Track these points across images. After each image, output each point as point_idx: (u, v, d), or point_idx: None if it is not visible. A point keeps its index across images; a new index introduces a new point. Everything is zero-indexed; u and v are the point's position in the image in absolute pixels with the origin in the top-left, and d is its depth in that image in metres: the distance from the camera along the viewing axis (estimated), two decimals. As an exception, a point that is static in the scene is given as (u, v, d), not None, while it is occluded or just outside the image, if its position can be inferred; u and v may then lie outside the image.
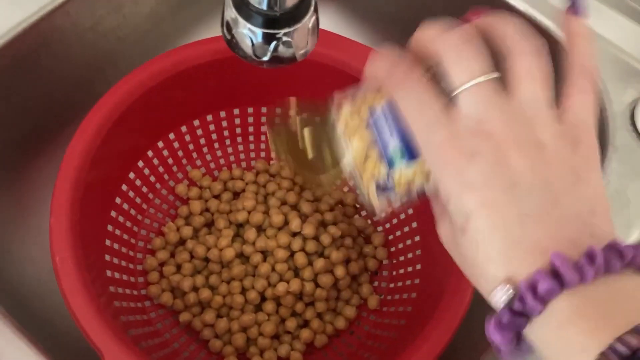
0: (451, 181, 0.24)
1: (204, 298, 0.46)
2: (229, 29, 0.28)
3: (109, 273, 0.44)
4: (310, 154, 0.29)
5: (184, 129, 0.50)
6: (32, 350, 0.37)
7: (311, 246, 0.47)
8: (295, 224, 0.48)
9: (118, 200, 0.47)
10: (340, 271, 0.47)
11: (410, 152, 0.26)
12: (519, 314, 0.23)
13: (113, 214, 0.46)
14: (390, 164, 0.26)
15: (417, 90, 0.24)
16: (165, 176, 0.51)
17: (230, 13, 0.27)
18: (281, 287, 0.46)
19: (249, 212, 0.49)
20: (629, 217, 0.42)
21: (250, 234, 0.48)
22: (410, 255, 0.48)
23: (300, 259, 0.47)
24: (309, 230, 0.47)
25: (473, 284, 0.25)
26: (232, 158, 0.53)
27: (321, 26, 0.31)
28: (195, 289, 0.47)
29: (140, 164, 0.49)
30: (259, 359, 0.45)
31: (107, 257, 0.44)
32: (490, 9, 0.51)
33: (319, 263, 0.47)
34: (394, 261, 0.49)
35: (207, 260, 0.48)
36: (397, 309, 0.46)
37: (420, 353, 0.37)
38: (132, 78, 0.44)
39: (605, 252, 0.22)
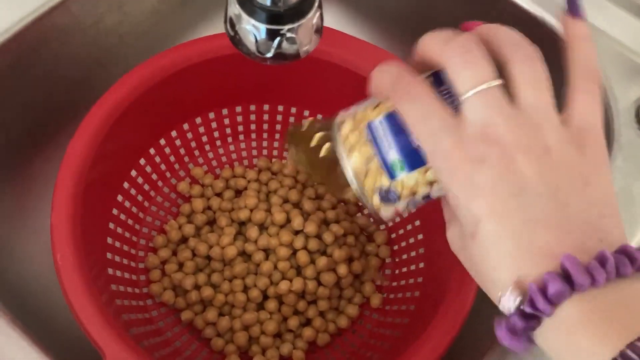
0: (460, 188, 0.24)
1: (206, 296, 0.46)
2: (232, 25, 0.28)
3: (110, 271, 0.44)
4: (328, 170, 0.29)
5: (185, 126, 0.50)
6: (33, 349, 0.37)
7: (313, 244, 0.47)
8: (297, 222, 0.47)
9: (120, 198, 0.47)
10: (342, 269, 0.47)
11: (410, 162, 0.26)
12: (529, 317, 0.22)
13: (115, 211, 0.46)
14: (392, 175, 0.27)
15: (422, 99, 0.25)
16: (167, 174, 0.51)
17: (234, 9, 0.27)
18: (283, 286, 0.46)
19: (251, 210, 0.49)
20: (635, 214, 0.42)
21: (252, 232, 0.48)
22: (413, 253, 0.48)
23: (303, 257, 0.47)
24: (311, 228, 0.47)
25: (483, 289, 0.25)
26: (234, 156, 0.53)
27: (325, 24, 0.30)
28: (197, 287, 0.47)
29: (142, 161, 0.49)
30: (261, 358, 0.45)
31: (109, 255, 0.44)
32: (493, 8, 0.51)
33: (322, 261, 0.46)
34: (397, 259, 0.49)
35: (209, 258, 0.48)
36: (400, 308, 0.46)
37: (424, 352, 0.37)
38: (134, 75, 0.44)
39: (616, 257, 0.22)
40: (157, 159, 0.50)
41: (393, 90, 0.26)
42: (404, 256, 0.48)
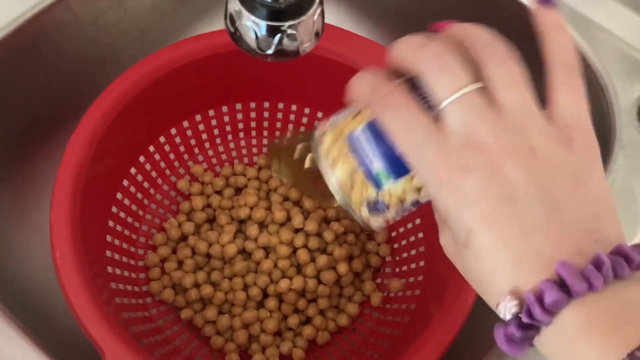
0: (448, 198, 0.23)
1: (206, 295, 0.46)
2: (233, 21, 0.28)
3: (109, 269, 0.43)
4: (313, 181, 0.28)
5: (185, 124, 0.50)
6: (33, 348, 0.36)
7: (314, 242, 0.47)
8: (297, 220, 0.47)
9: (119, 195, 0.46)
10: (342, 268, 0.46)
11: (395, 171, 0.26)
12: (527, 327, 0.22)
13: (114, 209, 0.46)
14: (377, 185, 0.26)
15: (402, 109, 0.24)
16: (167, 171, 0.50)
17: (234, 5, 0.27)
18: (283, 284, 0.46)
19: (251, 208, 0.49)
20: (636, 213, 0.42)
21: (252, 230, 0.48)
22: (413, 252, 0.47)
23: (303, 255, 0.46)
24: (311, 226, 0.47)
25: (480, 295, 0.25)
26: (234, 154, 0.52)
27: (325, 20, 0.30)
28: (196, 285, 0.47)
29: (142, 159, 0.48)
30: (261, 356, 0.45)
31: (108, 253, 0.44)
32: (495, 5, 0.50)
33: (322, 259, 0.46)
34: (397, 258, 0.49)
35: (209, 256, 0.48)
36: (400, 306, 0.46)
37: (424, 351, 0.36)
38: (134, 72, 0.43)
39: (612, 258, 0.22)
40: (157, 157, 0.49)
41: (372, 99, 0.25)
42: (405, 254, 0.48)
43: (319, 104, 0.50)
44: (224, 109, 0.51)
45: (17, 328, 0.37)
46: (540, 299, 0.21)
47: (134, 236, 0.47)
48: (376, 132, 0.25)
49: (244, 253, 0.48)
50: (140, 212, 0.48)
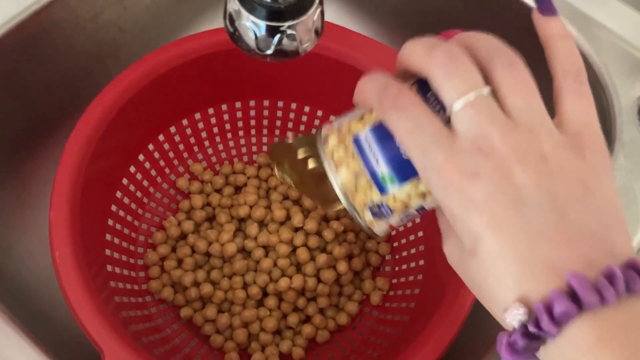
0: (456, 203, 0.23)
1: (205, 293, 0.46)
2: (232, 21, 0.27)
3: (109, 268, 0.43)
4: (316, 183, 0.28)
5: (185, 122, 0.50)
6: (32, 348, 0.36)
7: (313, 241, 0.47)
8: (297, 219, 0.47)
9: (119, 194, 0.46)
10: (342, 266, 0.46)
11: (401, 175, 0.25)
12: (532, 337, 0.22)
13: (114, 208, 0.46)
14: (382, 190, 0.26)
15: (411, 110, 0.23)
16: (166, 170, 0.50)
17: (233, 5, 0.27)
18: (283, 283, 0.46)
19: (251, 207, 0.49)
20: (637, 213, 0.42)
21: (252, 228, 0.47)
22: (413, 250, 0.47)
23: (303, 254, 0.46)
24: (311, 225, 0.47)
25: (484, 305, 0.24)
26: (233, 152, 0.52)
27: (325, 19, 0.30)
28: (196, 284, 0.47)
29: (141, 157, 0.48)
30: (261, 355, 0.45)
31: (108, 252, 0.44)
32: (496, 3, 0.50)
33: (321, 258, 0.46)
34: (397, 257, 0.49)
35: (208, 255, 0.48)
36: (400, 305, 0.46)
37: (424, 350, 0.36)
38: (134, 71, 0.43)
39: (625, 272, 0.21)
40: (156, 155, 0.49)
41: (379, 101, 0.24)
42: (404, 253, 0.48)
43: (319, 102, 0.50)
44: (224, 107, 0.51)
45: (17, 327, 0.37)
46: (549, 309, 0.21)
47: (133, 235, 0.47)
48: (383, 134, 0.25)
49: (244, 252, 0.48)
50: (140, 211, 0.48)
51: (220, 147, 0.52)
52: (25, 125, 0.51)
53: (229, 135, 0.52)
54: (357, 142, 0.26)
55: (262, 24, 0.26)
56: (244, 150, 0.53)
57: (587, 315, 0.21)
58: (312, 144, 0.27)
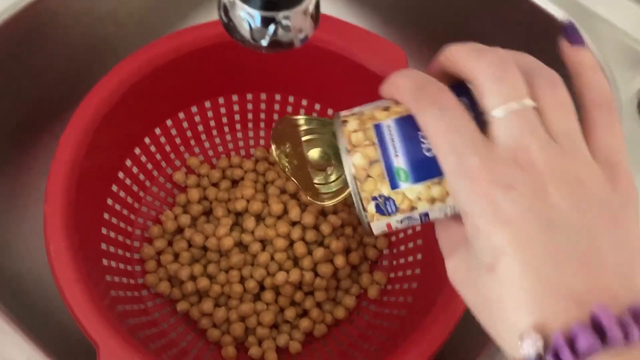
0: (482, 214, 0.22)
1: (202, 287, 0.46)
2: (226, 12, 0.27)
3: (105, 262, 0.43)
4: (314, 171, 0.28)
5: (181, 115, 0.50)
6: (29, 345, 0.36)
7: (311, 235, 0.47)
8: (294, 212, 0.47)
9: (114, 187, 0.46)
10: (340, 260, 0.46)
11: (416, 173, 0.25)
12: None
13: (109, 201, 0.45)
14: (393, 184, 0.25)
15: (449, 111, 0.23)
16: (163, 163, 0.50)
17: (228, -5, 0.26)
18: (280, 277, 0.45)
19: (248, 201, 0.48)
20: (637, 210, 0.41)
21: (249, 222, 0.47)
22: (411, 244, 0.47)
23: (300, 248, 0.46)
24: (308, 219, 0.47)
25: (488, 331, 0.23)
26: (230, 145, 0.52)
27: (324, 11, 0.30)
28: (193, 278, 0.46)
29: (137, 151, 0.48)
30: (258, 349, 0.45)
31: (104, 246, 0.44)
32: (504, 3, 0.49)
33: (319, 252, 0.46)
34: (395, 251, 0.48)
35: (205, 249, 0.48)
36: (397, 299, 0.45)
37: (421, 345, 0.36)
38: (129, 63, 0.43)
39: None
40: (153, 149, 0.49)
41: (415, 97, 0.24)
42: (402, 247, 0.48)
43: (317, 95, 0.50)
44: (221, 100, 0.50)
45: (13, 323, 0.37)
46: (571, 342, 0.20)
47: (129, 228, 0.47)
48: (406, 129, 0.25)
49: (241, 246, 0.48)
50: (136, 205, 0.48)
51: (217, 140, 0.52)
52: (20, 120, 0.50)
53: (226, 128, 0.52)
54: (378, 130, 0.25)
55: (257, 14, 0.26)
56: (241, 143, 0.52)
57: (608, 352, 0.20)
58: (323, 126, 0.27)
